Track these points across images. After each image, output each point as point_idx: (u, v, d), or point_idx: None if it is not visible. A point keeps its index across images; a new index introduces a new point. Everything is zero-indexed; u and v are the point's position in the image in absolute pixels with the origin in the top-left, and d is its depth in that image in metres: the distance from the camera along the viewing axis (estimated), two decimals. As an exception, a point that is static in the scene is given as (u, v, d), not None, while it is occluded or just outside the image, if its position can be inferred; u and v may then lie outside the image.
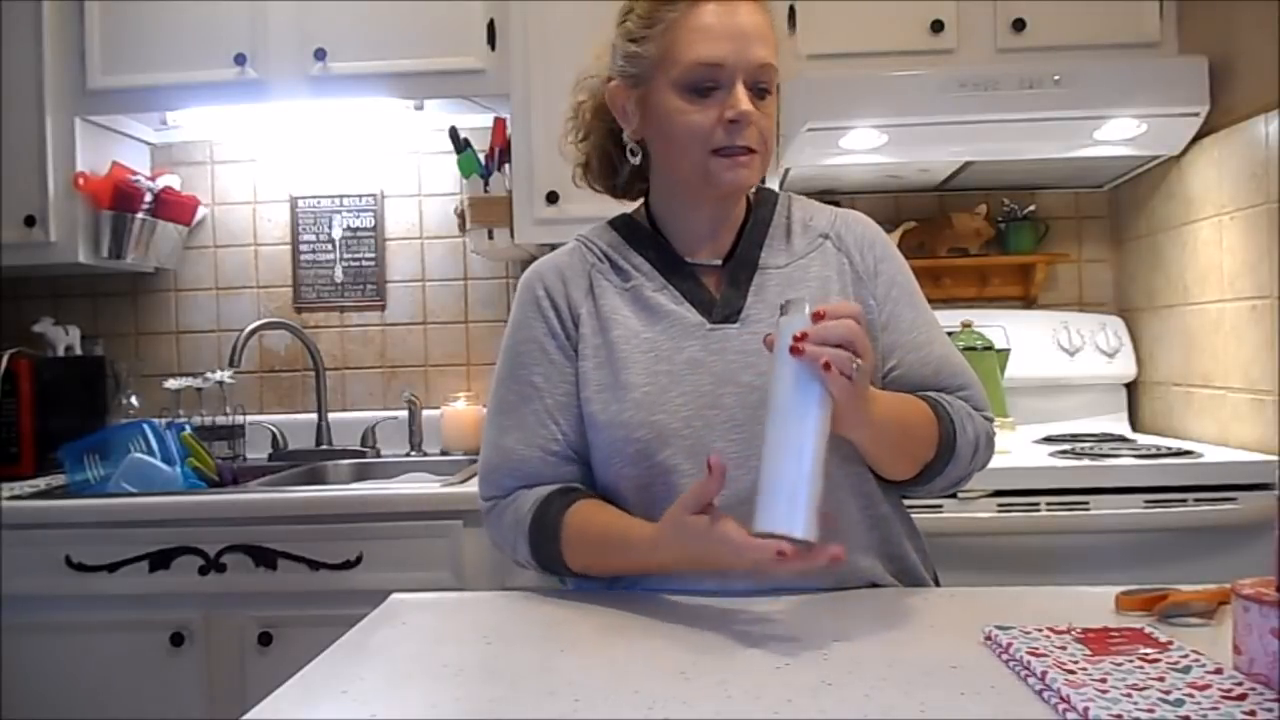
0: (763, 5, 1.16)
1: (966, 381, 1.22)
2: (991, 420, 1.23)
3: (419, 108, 2.61)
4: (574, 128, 1.30)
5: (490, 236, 2.44)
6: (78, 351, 2.63)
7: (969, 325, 2.32)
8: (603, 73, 1.25)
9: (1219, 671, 0.79)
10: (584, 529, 1.14)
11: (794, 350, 0.94)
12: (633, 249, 1.25)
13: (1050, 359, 2.45)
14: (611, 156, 1.28)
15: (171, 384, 2.60)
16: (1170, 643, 0.86)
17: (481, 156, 2.47)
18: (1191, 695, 0.74)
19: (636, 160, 1.24)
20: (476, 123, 2.57)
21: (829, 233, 1.25)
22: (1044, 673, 0.79)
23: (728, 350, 1.16)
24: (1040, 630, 0.90)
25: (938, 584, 1.26)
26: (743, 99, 1.12)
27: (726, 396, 1.14)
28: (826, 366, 0.93)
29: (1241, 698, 0.74)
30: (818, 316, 0.95)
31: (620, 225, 1.29)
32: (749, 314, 1.19)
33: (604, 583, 1.21)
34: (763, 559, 0.94)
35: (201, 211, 2.76)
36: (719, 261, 1.23)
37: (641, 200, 1.31)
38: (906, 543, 1.21)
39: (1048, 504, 1.90)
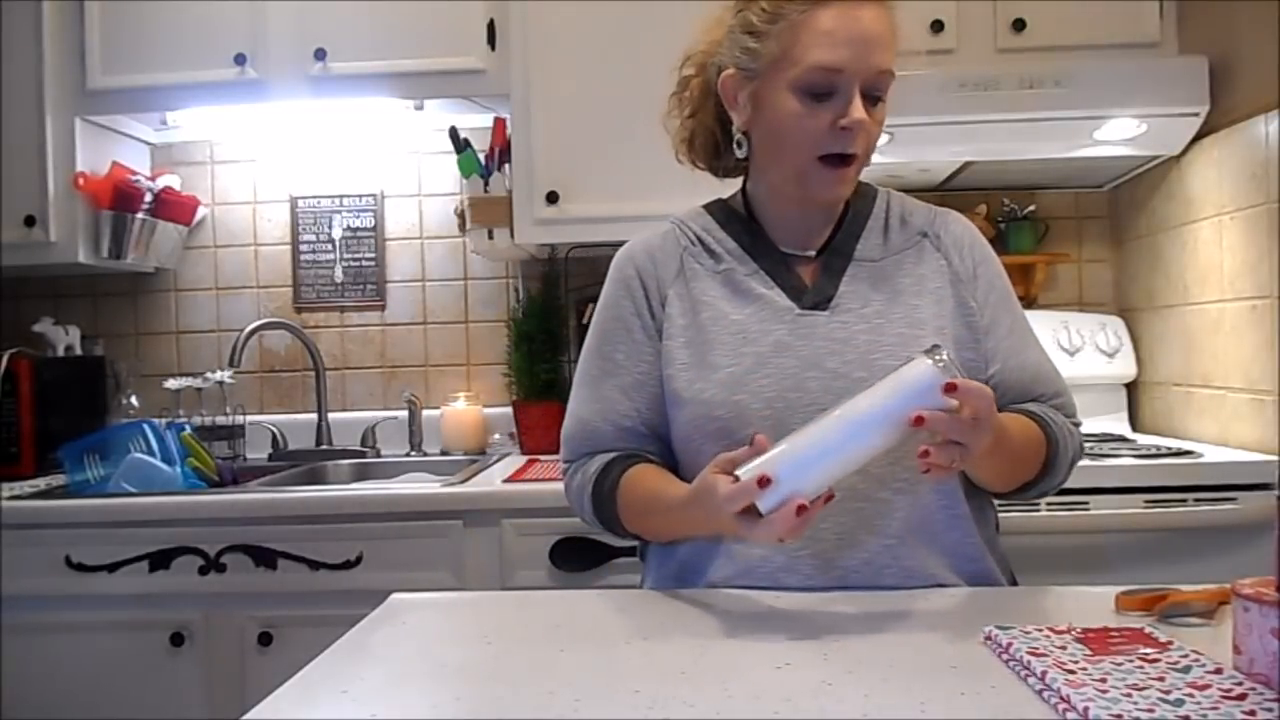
0: (886, 7, 1.15)
1: (1060, 388, 1.24)
2: (1080, 426, 1.24)
3: (419, 108, 2.61)
4: (680, 103, 1.30)
5: (490, 236, 2.44)
6: (78, 351, 2.63)
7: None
8: (712, 50, 1.24)
9: (1219, 671, 0.79)
10: (634, 490, 1.18)
11: (916, 421, 0.94)
12: (727, 234, 1.26)
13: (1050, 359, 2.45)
14: (717, 138, 1.29)
15: (171, 384, 2.60)
16: (1170, 643, 0.86)
17: (481, 156, 2.47)
18: (1191, 695, 0.74)
19: (743, 153, 1.24)
20: (476, 123, 2.57)
21: (927, 231, 1.25)
22: (1044, 673, 0.79)
23: (815, 336, 1.17)
24: (1040, 630, 0.90)
25: (1015, 585, 1.25)
26: (858, 107, 1.12)
27: (810, 381, 1.15)
28: (925, 454, 0.95)
29: (1241, 698, 0.74)
30: (950, 388, 0.94)
31: (715, 210, 1.30)
32: (839, 303, 1.20)
33: (662, 576, 1.23)
34: (734, 517, 0.97)
35: (201, 211, 2.76)
36: (813, 253, 1.24)
37: (740, 186, 1.32)
38: (984, 544, 1.20)
39: (1048, 504, 1.90)
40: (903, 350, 1.15)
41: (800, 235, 1.24)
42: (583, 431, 1.25)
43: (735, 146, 1.24)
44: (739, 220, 1.27)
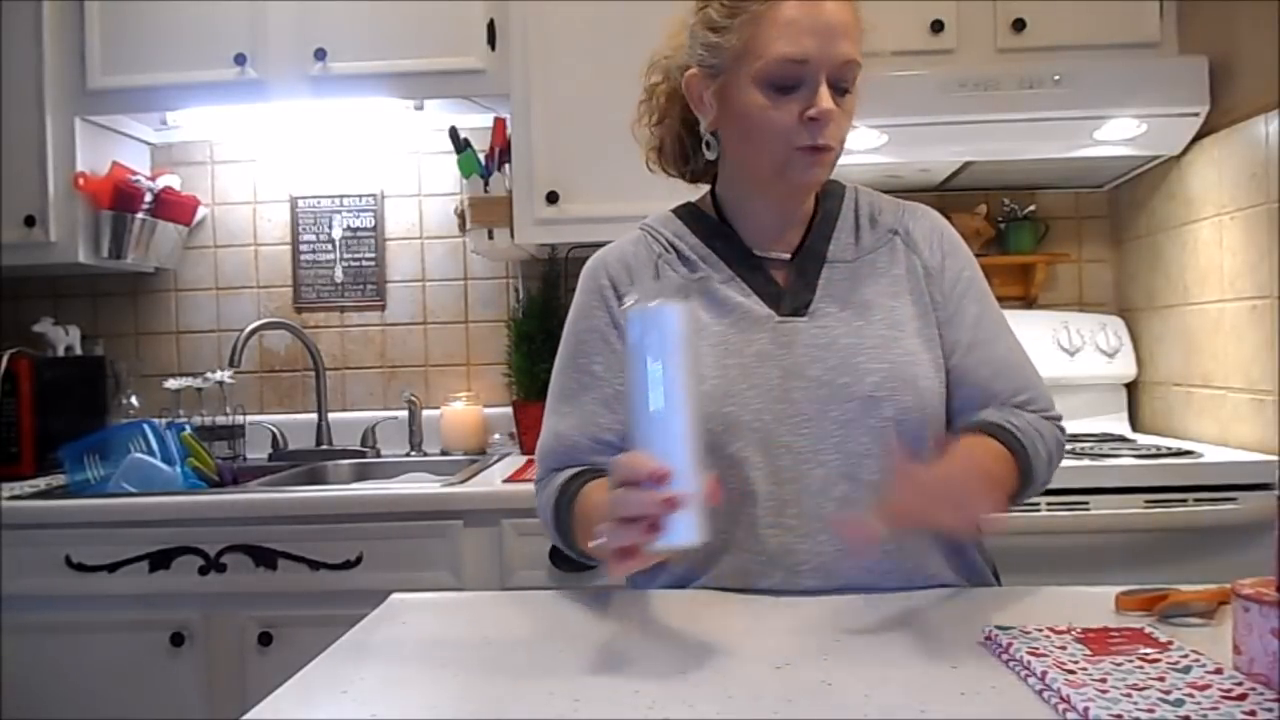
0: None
1: (1027, 384, 1.19)
2: (1059, 419, 1.20)
3: (419, 108, 2.61)
4: (647, 110, 1.28)
5: (490, 236, 2.44)
6: (78, 351, 2.64)
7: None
8: (677, 54, 1.22)
9: (1219, 671, 0.79)
10: (583, 505, 1.12)
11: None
12: (699, 239, 1.24)
13: (1050, 359, 2.45)
14: (685, 143, 1.26)
15: (171, 384, 2.60)
16: (1170, 643, 0.86)
17: (481, 156, 2.47)
18: (1191, 695, 0.74)
19: (713, 155, 1.22)
20: (476, 123, 2.57)
21: (897, 229, 1.24)
22: (1044, 673, 0.79)
23: (796, 344, 1.16)
24: (1040, 630, 0.90)
25: (999, 581, 1.24)
26: (825, 97, 1.10)
27: (795, 391, 1.14)
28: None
29: (1242, 698, 0.74)
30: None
31: (685, 214, 1.27)
32: (817, 307, 1.18)
33: (652, 581, 1.21)
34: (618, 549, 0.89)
35: (201, 211, 2.76)
36: (787, 255, 1.21)
37: (707, 189, 1.29)
38: (970, 553, 1.20)
39: (1048, 504, 1.90)
40: (884, 353, 1.15)
41: (773, 237, 1.22)
42: (558, 447, 1.20)
43: (705, 148, 1.21)
44: (710, 224, 1.25)
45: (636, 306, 0.91)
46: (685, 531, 0.88)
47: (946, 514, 0.96)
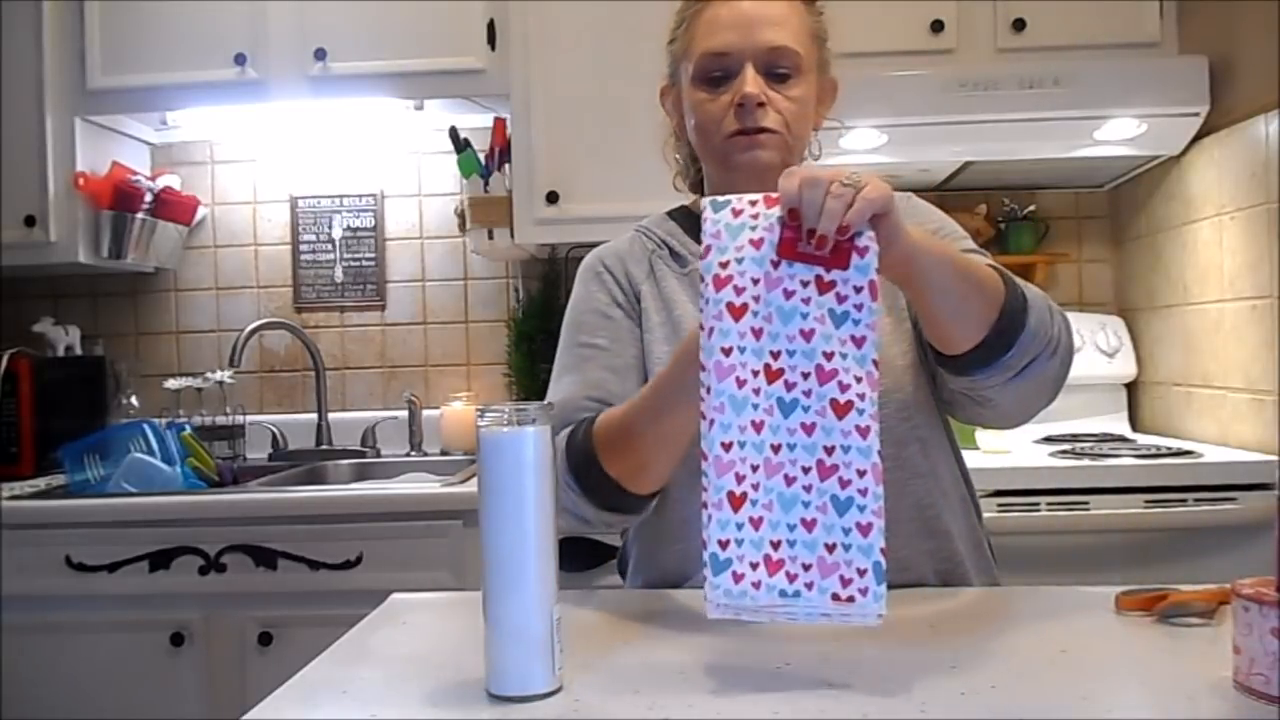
0: None
1: (1031, 296, 1.09)
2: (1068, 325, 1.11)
3: (419, 108, 2.61)
4: (672, 134, 1.33)
5: (490, 236, 2.44)
6: (78, 351, 2.63)
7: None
8: None
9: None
10: (609, 418, 1.10)
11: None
12: (691, 237, 1.27)
13: (1050, 359, 2.45)
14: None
15: (171, 384, 2.60)
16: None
17: (481, 156, 2.47)
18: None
19: (680, 158, 1.29)
20: (476, 123, 2.57)
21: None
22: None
23: None
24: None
25: (997, 579, 1.23)
26: (748, 82, 1.14)
27: None
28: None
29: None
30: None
31: (678, 215, 1.32)
32: None
33: (647, 580, 1.22)
34: None
35: (201, 211, 2.76)
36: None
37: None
38: (959, 545, 1.18)
39: (1048, 504, 1.91)
40: (881, 337, 1.13)
41: None
42: (562, 413, 1.15)
43: (676, 153, 1.29)
44: (700, 222, 1.27)
45: (490, 430, 0.84)
46: (521, 680, 0.84)
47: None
